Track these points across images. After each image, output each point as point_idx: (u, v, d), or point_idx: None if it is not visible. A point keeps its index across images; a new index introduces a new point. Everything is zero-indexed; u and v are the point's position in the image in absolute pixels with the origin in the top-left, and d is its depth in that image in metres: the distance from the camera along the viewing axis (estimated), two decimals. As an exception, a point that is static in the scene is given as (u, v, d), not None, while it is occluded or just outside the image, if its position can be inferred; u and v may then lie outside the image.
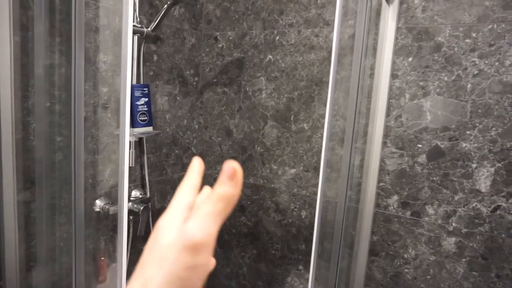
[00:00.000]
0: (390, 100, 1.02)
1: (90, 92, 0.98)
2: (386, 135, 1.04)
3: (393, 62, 1.01)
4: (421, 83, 0.98)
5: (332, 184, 1.12)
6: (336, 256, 1.04)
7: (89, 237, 1.03)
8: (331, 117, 1.03)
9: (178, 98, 1.27)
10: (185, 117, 1.32)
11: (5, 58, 0.76)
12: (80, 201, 0.89)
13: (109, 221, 1.07)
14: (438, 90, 0.96)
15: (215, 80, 1.32)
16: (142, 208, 1.05)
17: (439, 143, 0.97)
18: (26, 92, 0.84)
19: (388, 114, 1.03)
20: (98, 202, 1.04)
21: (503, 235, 0.92)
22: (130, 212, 1.08)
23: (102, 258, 1.05)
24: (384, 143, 1.04)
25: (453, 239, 0.97)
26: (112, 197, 1.07)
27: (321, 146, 1.15)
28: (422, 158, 0.99)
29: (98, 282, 1.06)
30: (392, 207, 1.05)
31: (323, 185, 0.95)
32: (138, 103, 1.00)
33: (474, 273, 0.95)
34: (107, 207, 1.03)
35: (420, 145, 0.99)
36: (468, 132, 0.94)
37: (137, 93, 1.00)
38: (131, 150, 1.06)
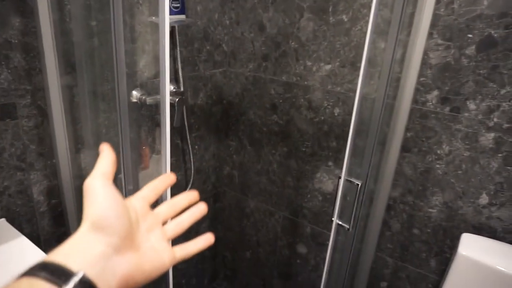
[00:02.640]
0: (443, -15, 0.93)
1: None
2: (433, 25, 0.96)
3: None
4: (481, -38, 0.87)
5: (368, 80, 1.08)
6: (369, 152, 1.05)
7: (130, 126, 1.07)
8: (378, 4, 0.96)
9: (208, -12, 1.20)
10: (216, 11, 1.26)
11: None
12: (122, 88, 0.90)
13: (147, 111, 1.10)
14: (501, -31, 0.85)
15: (247, -31, 1.23)
16: (177, 99, 1.06)
17: (492, 31, 0.89)
18: (57, -31, 0.80)
19: (438, 1, 0.94)
20: (134, 92, 1.05)
21: (547, 130, 0.89)
22: (166, 104, 1.10)
23: (144, 147, 1.11)
24: (430, 34, 0.97)
25: (492, 135, 0.95)
26: (148, 88, 1.08)
27: (360, 39, 1.09)
28: (471, 50, 0.93)
29: (140, 169, 1.13)
30: (430, 103, 1.02)
31: (363, 81, 0.92)
32: (170, -13, 0.95)
33: (509, 167, 0.95)
34: (143, 97, 1.05)
35: (470, 35, 0.92)
36: (527, 20, 0.85)
37: (169, -24, 0.94)
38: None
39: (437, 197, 1.08)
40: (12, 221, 0.86)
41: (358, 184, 0.93)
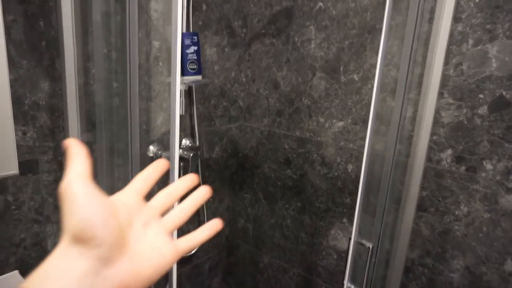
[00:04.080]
0: (450, 47, 0.95)
1: (143, 40, 1.01)
2: (443, 85, 0.97)
3: (457, 4, 0.92)
4: (488, 26, 0.89)
5: (381, 137, 1.08)
6: (381, 209, 1.02)
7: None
8: (383, 66, 0.98)
9: (226, 49, 1.28)
10: (233, 69, 1.32)
11: (67, 4, 0.80)
12: (135, 145, 0.95)
13: (162, 166, 1.14)
14: (508, 33, 0.87)
15: (263, 31, 1.30)
16: (191, 155, 1.10)
17: (504, 92, 0.89)
18: (86, 38, 0.89)
19: (447, 63, 0.96)
20: (151, 147, 1.10)
21: None
22: (181, 159, 1.14)
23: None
24: (441, 94, 0.98)
25: (512, 196, 0.91)
26: (164, 143, 1.12)
27: (371, 98, 1.10)
28: (483, 110, 0.92)
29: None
30: (445, 162, 1.00)
31: (371, 137, 0.93)
32: (188, 51, 1.02)
33: (533, 232, 0.90)
34: (159, 152, 1.09)
35: (481, 95, 0.92)
36: (539, 81, 0.85)
37: (187, 41, 1.02)
38: (181, 99, 1.09)
39: (458, 260, 1.02)
40: (25, 274, 0.88)
41: (369, 247, 0.89)
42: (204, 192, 0.36)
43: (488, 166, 0.94)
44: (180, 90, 1.08)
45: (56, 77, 0.86)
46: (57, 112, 0.87)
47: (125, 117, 0.94)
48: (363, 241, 0.90)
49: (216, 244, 1.46)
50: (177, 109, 0.72)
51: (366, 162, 0.91)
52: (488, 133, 0.93)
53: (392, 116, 0.99)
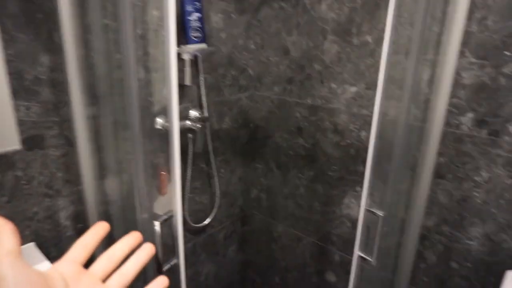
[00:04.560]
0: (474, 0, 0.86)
1: (145, 9, 0.97)
2: (465, 43, 0.90)
3: (482, -50, 0.83)
4: (516, -25, 0.80)
5: (396, 101, 1.03)
6: (393, 176, 0.99)
7: (150, 152, 1.10)
8: (394, 24, 0.91)
9: (233, 15, 1.22)
10: (241, 36, 1.27)
11: (59, -28, 0.77)
12: (134, 116, 0.93)
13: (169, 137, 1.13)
14: (539, -19, 0.78)
15: (271, -7, 1.23)
16: (199, 126, 1.07)
17: (532, 48, 0.81)
18: (83, 8, 0.86)
19: (469, 18, 0.88)
20: (158, 119, 1.08)
21: None
22: (189, 130, 1.12)
23: (162, 172, 1.12)
24: (462, 53, 0.91)
25: (537, 161, 0.86)
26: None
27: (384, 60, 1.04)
28: (509, 68, 0.85)
29: (160, 194, 1.15)
30: (465, 126, 0.94)
31: (382, 100, 0.88)
32: (190, 18, 0.98)
33: (560, 198, 0.85)
34: (167, 124, 1.07)
35: (507, 53, 0.84)
36: None
37: (189, 7, 0.97)
38: (185, 68, 1.06)
39: (476, 228, 0.98)
40: (40, 245, 0.91)
41: (380, 215, 0.87)
42: (147, 251, 0.34)
43: (512, 130, 0.87)
44: (185, 59, 1.04)
45: (56, 50, 0.84)
46: (60, 86, 0.86)
47: (126, 89, 0.91)
48: (374, 210, 0.87)
49: (230, 214, 1.47)
50: (174, 76, 0.69)
51: (376, 127, 0.87)
52: (513, 93, 0.86)
53: (407, 79, 0.93)
